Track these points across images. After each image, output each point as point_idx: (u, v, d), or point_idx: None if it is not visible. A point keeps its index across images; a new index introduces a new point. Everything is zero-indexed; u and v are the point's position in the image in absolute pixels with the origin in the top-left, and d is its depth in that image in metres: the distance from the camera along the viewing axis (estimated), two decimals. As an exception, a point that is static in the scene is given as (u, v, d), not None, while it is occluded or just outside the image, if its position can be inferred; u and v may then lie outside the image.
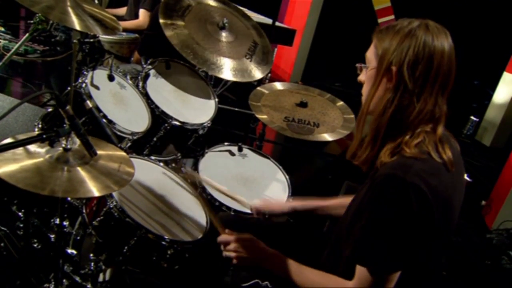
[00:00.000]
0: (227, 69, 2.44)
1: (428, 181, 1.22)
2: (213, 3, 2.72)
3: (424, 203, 1.21)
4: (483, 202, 4.29)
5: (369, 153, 1.39)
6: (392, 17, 8.00)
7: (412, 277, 1.33)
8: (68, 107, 1.38)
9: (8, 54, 2.38)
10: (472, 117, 6.71)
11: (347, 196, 1.73)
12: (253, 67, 2.55)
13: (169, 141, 2.52)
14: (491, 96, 6.59)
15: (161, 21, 2.40)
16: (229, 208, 2.13)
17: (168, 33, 2.37)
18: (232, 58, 2.49)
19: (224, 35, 2.57)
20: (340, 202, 1.84)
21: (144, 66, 2.62)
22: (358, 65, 1.49)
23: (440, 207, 1.25)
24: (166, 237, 1.81)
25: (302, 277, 1.46)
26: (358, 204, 1.38)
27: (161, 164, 2.23)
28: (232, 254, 1.58)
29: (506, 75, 6.30)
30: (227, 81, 4.65)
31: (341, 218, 1.58)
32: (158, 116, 2.41)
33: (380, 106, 1.35)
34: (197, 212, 2.05)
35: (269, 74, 3.71)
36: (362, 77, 1.47)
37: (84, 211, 1.95)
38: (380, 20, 8.06)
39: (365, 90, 1.45)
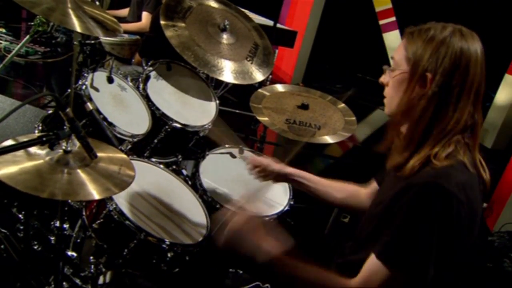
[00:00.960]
0: (228, 72, 2.44)
1: (467, 193, 1.22)
2: (214, 5, 2.72)
3: (461, 214, 1.20)
4: (485, 205, 4.28)
5: (402, 160, 1.35)
6: (393, 18, 8.01)
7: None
8: (68, 110, 1.37)
9: (9, 56, 2.37)
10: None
11: (337, 181, 1.75)
12: (254, 69, 2.54)
13: (170, 143, 2.52)
14: (492, 98, 6.58)
15: (162, 22, 2.39)
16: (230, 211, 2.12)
17: (169, 34, 2.37)
18: (233, 60, 2.49)
19: (225, 37, 2.57)
20: (330, 184, 1.83)
21: (145, 68, 2.61)
22: (385, 67, 1.45)
23: (471, 220, 1.24)
24: (167, 240, 1.80)
25: (297, 273, 1.42)
26: (388, 207, 1.33)
27: (162, 166, 2.22)
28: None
29: (507, 77, 6.29)
30: (228, 82, 4.65)
31: (363, 221, 1.55)
32: (158, 118, 2.40)
33: (416, 113, 1.32)
34: (198, 215, 2.04)
35: (270, 76, 3.70)
36: (386, 79, 1.44)
37: (84, 213, 1.94)
38: (381, 22, 8.07)
39: (391, 93, 1.42)
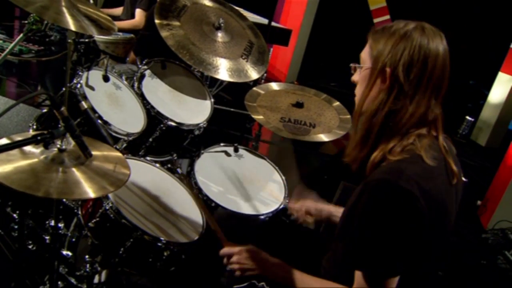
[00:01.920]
0: (223, 70, 2.44)
1: (421, 185, 1.22)
2: (208, 3, 2.72)
3: (416, 208, 1.21)
4: (479, 202, 4.30)
5: (359, 153, 1.39)
6: (388, 17, 8.02)
7: (407, 279, 1.33)
8: (63, 108, 1.37)
9: (3, 55, 2.36)
10: (467, 117, 6.72)
11: None
12: (249, 67, 2.54)
13: (165, 141, 2.51)
14: (486, 96, 6.61)
15: (156, 21, 2.39)
16: (224, 209, 2.12)
17: (164, 33, 2.36)
18: (228, 59, 2.49)
19: (220, 36, 2.57)
20: None
21: (140, 66, 2.60)
22: (352, 65, 1.48)
23: (433, 210, 1.24)
24: (162, 238, 1.80)
25: (304, 285, 1.45)
26: (350, 207, 1.37)
27: (157, 165, 2.22)
28: (236, 266, 1.58)
29: (501, 75, 6.32)
30: (223, 81, 4.64)
31: (339, 221, 1.57)
32: (153, 116, 2.40)
33: (373, 107, 1.34)
34: (193, 213, 2.04)
35: (265, 74, 3.70)
36: (355, 77, 1.47)
37: (79, 212, 1.93)
38: (375, 20, 8.08)
39: (358, 91, 1.45)
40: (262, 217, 2.16)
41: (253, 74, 2.54)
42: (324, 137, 2.40)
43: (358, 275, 1.30)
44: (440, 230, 1.31)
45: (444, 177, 1.31)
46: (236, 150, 2.55)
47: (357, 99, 1.45)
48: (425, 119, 1.32)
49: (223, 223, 1.92)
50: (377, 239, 1.23)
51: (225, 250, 1.64)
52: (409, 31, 1.31)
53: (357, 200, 1.30)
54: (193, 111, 2.60)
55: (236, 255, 1.59)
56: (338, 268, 1.45)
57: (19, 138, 1.35)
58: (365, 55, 1.41)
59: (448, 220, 1.35)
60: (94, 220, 1.83)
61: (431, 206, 1.23)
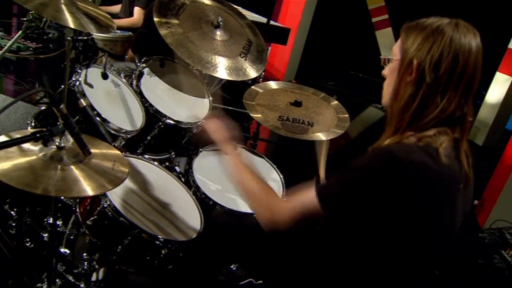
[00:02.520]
0: (222, 68, 2.43)
1: (421, 176, 1.21)
2: (207, 2, 2.71)
3: (407, 186, 1.20)
4: (476, 202, 4.31)
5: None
6: (386, 16, 8.03)
7: (402, 277, 1.33)
8: (62, 106, 1.37)
9: (1, 52, 2.36)
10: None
11: None
12: (247, 66, 2.54)
13: (163, 139, 2.51)
14: (484, 96, 6.62)
15: (155, 19, 2.38)
16: (222, 207, 2.12)
17: (162, 31, 2.36)
18: (227, 57, 2.49)
19: (218, 34, 2.57)
20: None
21: (138, 64, 2.60)
22: (382, 57, 1.46)
23: (431, 201, 1.23)
24: (160, 236, 1.80)
25: (239, 174, 1.54)
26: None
27: (155, 163, 2.22)
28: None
29: (498, 75, 6.33)
30: (221, 79, 4.64)
31: None
32: (152, 114, 2.39)
33: (403, 100, 1.32)
34: (191, 212, 2.05)
35: (263, 73, 3.70)
36: (386, 70, 1.44)
37: (77, 210, 1.93)
38: (374, 20, 8.09)
39: (386, 83, 1.43)
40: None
41: (252, 73, 2.54)
42: (322, 136, 2.41)
43: (307, 193, 1.32)
44: (435, 228, 1.30)
45: (452, 179, 1.30)
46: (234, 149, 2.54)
47: (384, 91, 1.43)
48: (452, 117, 1.30)
49: (221, 221, 1.93)
50: (347, 181, 1.27)
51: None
52: (441, 25, 1.30)
53: (360, 157, 1.30)
54: (191, 109, 2.60)
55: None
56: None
57: (18, 136, 1.35)
58: (396, 48, 1.39)
59: (450, 221, 1.33)
60: (92, 218, 1.83)
61: (428, 194, 1.22)
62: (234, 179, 1.56)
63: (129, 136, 2.25)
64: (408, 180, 1.19)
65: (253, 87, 2.62)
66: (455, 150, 1.31)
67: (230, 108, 4.22)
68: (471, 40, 1.29)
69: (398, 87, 1.35)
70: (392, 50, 1.42)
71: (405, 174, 1.19)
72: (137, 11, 4.26)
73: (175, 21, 2.45)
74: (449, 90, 1.28)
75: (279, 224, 1.35)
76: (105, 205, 1.79)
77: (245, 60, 2.56)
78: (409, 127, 1.32)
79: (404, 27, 1.39)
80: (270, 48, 7.01)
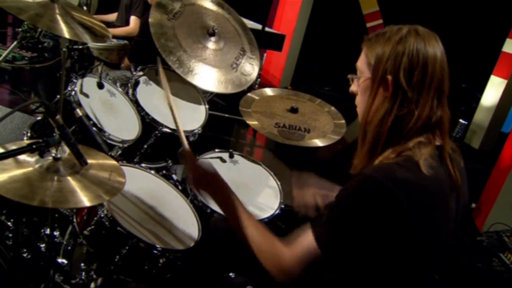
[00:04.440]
0: (212, 80, 2.43)
1: (408, 191, 1.20)
2: (207, 5, 2.69)
3: (397, 210, 1.19)
4: (473, 205, 4.31)
5: (367, 163, 1.36)
6: (381, 21, 8.06)
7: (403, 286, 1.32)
8: (58, 117, 1.36)
9: (-4, 62, 2.35)
10: (460, 120, 6.72)
11: None
12: (239, 76, 2.54)
13: (160, 148, 2.51)
14: (479, 99, 6.64)
15: (151, 20, 2.37)
16: (220, 215, 2.12)
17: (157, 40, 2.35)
18: (217, 68, 2.48)
19: (212, 41, 2.56)
20: None
21: (134, 73, 2.60)
22: (350, 76, 1.46)
23: (418, 219, 1.23)
24: (158, 245, 1.79)
25: (244, 225, 1.45)
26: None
27: (152, 171, 2.21)
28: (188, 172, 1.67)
29: (493, 78, 6.36)
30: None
31: None
32: (148, 123, 2.39)
33: (379, 117, 1.32)
34: (189, 220, 2.04)
35: (259, 79, 3.71)
36: (354, 87, 1.44)
37: (74, 220, 1.93)
38: (368, 25, 8.12)
39: (360, 101, 1.42)
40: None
41: (242, 86, 2.55)
42: (319, 142, 2.41)
43: (306, 237, 1.29)
44: (428, 242, 1.29)
45: (439, 188, 1.29)
46: (231, 156, 2.55)
47: (359, 109, 1.43)
48: (429, 122, 1.30)
49: (219, 229, 1.92)
50: (340, 218, 1.24)
51: (189, 153, 1.73)
52: (404, 35, 1.30)
53: (342, 189, 1.29)
54: (187, 117, 2.60)
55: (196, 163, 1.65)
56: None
57: (14, 147, 1.34)
58: (362, 64, 1.39)
59: (442, 232, 1.33)
60: (89, 228, 1.83)
61: (416, 214, 1.21)
62: (230, 222, 1.51)
63: (125, 145, 2.25)
64: (397, 201, 1.18)
65: (249, 94, 2.62)
66: (439, 157, 1.31)
67: (226, 115, 4.23)
68: (435, 45, 1.31)
69: (372, 104, 1.35)
70: (358, 66, 1.41)
71: (392, 195, 1.18)
72: (134, 20, 4.27)
73: (171, 25, 2.44)
74: (422, 98, 1.29)
75: (288, 273, 1.33)
76: (102, 215, 1.78)
77: (236, 71, 2.55)
78: (388, 142, 1.32)
79: (365, 41, 1.39)
80: (265, 54, 7.02)
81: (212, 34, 2.56)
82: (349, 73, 1.49)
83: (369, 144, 1.36)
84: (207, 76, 2.44)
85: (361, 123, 1.41)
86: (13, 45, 2.19)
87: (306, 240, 1.29)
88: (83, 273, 1.87)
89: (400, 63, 1.28)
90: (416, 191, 1.22)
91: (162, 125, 2.40)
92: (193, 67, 2.41)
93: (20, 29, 2.36)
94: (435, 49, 1.31)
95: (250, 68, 2.65)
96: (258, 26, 4.59)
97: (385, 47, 1.31)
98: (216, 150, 2.57)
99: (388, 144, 1.32)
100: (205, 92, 2.97)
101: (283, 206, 2.31)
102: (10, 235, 2.05)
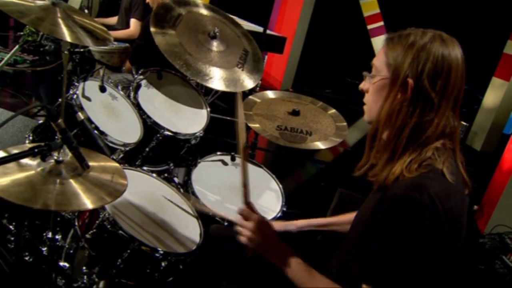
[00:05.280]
0: (219, 80, 2.43)
1: (444, 203, 1.18)
2: (203, 12, 2.72)
3: (440, 227, 1.18)
4: (475, 207, 4.30)
5: (388, 170, 1.32)
6: (381, 23, 8.07)
7: None
8: (60, 121, 1.36)
9: (-2, 66, 2.36)
10: (462, 122, 6.73)
11: (354, 212, 1.62)
12: (245, 76, 2.54)
13: (162, 151, 2.51)
14: (480, 101, 6.64)
15: (152, 30, 2.38)
16: (222, 219, 2.11)
17: (160, 43, 2.36)
18: (224, 68, 2.49)
19: (215, 45, 2.57)
20: (349, 218, 1.71)
21: (136, 76, 2.61)
22: (365, 73, 1.42)
23: (452, 228, 1.22)
24: (160, 249, 1.79)
25: (311, 282, 1.37)
26: (367, 221, 1.32)
27: (154, 174, 2.21)
28: (247, 233, 1.46)
29: (495, 80, 6.36)
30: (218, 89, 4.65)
31: (348, 233, 1.54)
32: (150, 126, 2.39)
33: (398, 122, 1.29)
34: (191, 223, 2.04)
35: (260, 82, 3.71)
36: (366, 85, 1.41)
37: (76, 223, 1.93)
38: (369, 27, 8.13)
39: (371, 100, 1.39)
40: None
41: (249, 84, 2.54)
42: (320, 145, 2.41)
43: None
44: (454, 245, 1.28)
45: (462, 194, 1.29)
46: (233, 159, 2.55)
47: (369, 108, 1.41)
48: (445, 131, 1.29)
49: (221, 232, 1.92)
50: (398, 259, 1.19)
51: (246, 211, 1.51)
52: (428, 41, 1.28)
53: (376, 212, 1.25)
54: (189, 120, 2.60)
55: (252, 221, 1.46)
56: (347, 276, 1.41)
57: (16, 151, 1.34)
58: (379, 63, 1.36)
59: (462, 235, 1.31)
60: (91, 231, 1.83)
61: (451, 223, 1.21)
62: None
63: (127, 148, 2.25)
64: (438, 215, 1.17)
65: (250, 96, 2.62)
66: (455, 161, 1.31)
67: (228, 118, 4.22)
68: (457, 53, 1.29)
69: (391, 106, 1.31)
70: (375, 65, 1.38)
71: (433, 211, 1.16)
72: (134, 22, 4.28)
73: (172, 32, 2.46)
74: (443, 106, 1.27)
75: None
76: (104, 218, 1.78)
77: (242, 70, 2.56)
78: (406, 148, 1.29)
79: (386, 40, 1.36)
80: (266, 57, 7.03)
81: (214, 37, 2.56)
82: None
83: (388, 148, 1.33)
84: (216, 77, 2.44)
85: (373, 122, 1.38)
86: (15, 49, 2.21)
87: None
88: (85, 277, 1.87)
89: (423, 68, 1.26)
90: (448, 202, 1.20)
91: (163, 128, 2.40)
92: (204, 70, 2.41)
93: (22, 33, 2.37)
94: (458, 56, 1.29)
95: (255, 66, 2.65)
96: (260, 29, 4.59)
97: (408, 50, 1.29)
98: (218, 153, 2.56)
99: (405, 150, 1.30)
100: (207, 95, 2.97)
101: (284, 209, 2.31)
102: (12, 238, 2.05)
